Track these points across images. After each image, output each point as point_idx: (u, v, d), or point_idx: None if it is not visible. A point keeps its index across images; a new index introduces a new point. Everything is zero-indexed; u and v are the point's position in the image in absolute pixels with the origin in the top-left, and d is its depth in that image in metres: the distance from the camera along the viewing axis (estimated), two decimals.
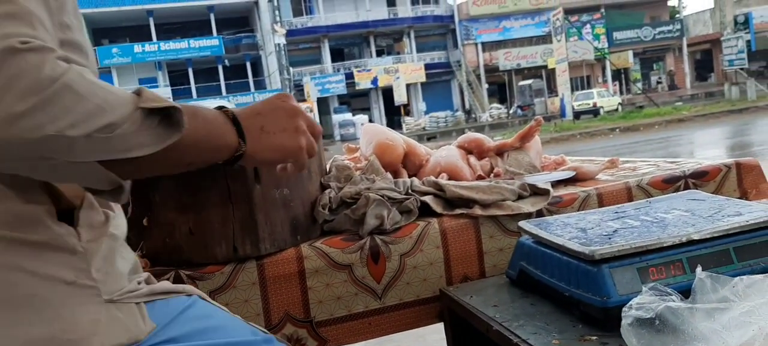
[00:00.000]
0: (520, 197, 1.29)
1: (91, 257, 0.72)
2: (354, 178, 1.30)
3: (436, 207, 1.27)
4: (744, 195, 1.38)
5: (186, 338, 0.77)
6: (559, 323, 0.97)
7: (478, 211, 1.26)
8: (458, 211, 1.27)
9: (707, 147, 12.96)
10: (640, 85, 35.04)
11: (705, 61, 38.21)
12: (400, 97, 31.39)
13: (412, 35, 35.72)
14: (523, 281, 1.14)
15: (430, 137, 23.58)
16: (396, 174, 1.45)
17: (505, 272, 1.21)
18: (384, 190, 1.27)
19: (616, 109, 26.34)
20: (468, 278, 1.28)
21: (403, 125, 29.64)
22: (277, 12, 30.65)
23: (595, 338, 0.90)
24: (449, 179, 1.41)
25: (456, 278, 1.27)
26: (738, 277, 0.68)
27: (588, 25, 33.47)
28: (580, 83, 33.46)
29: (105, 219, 0.77)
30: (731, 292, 0.65)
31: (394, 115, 33.20)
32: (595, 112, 26.01)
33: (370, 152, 1.49)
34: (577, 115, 25.10)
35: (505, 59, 34.96)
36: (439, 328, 1.30)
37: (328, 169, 1.35)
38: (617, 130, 18.57)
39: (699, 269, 0.72)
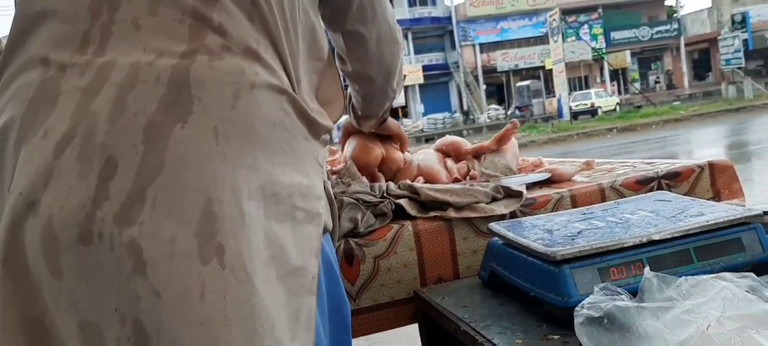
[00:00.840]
0: (493, 199, 1.31)
1: (322, 144, 0.88)
2: (330, 181, 1.31)
3: (411, 210, 1.29)
4: (717, 195, 1.39)
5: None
6: (524, 323, 0.99)
7: (451, 213, 1.27)
8: (432, 213, 1.28)
9: (704, 146, 12.98)
10: (638, 85, 35.09)
11: (703, 60, 38.26)
12: (398, 99, 31.38)
13: (410, 37, 35.75)
14: (493, 282, 1.15)
15: (429, 139, 23.61)
16: (372, 178, 1.46)
17: (477, 273, 1.23)
18: (359, 193, 1.28)
19: (614, 110, 26.39)
20: (442, 280, 1.29)
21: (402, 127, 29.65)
22: None
23: (557, 337, 0.91)
24: (426, 181, 1.43)
25: (430, 280, 1.29)
26: (683, 277, 0.69)
27: (585, 25, 33.53)
28: (578, 83, 33.52)
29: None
30: (676, 291, 0.67)
31: (393, 117, 33.19)
32: (593, 112, 26.06)
33: (349, 153, 1.51)
34: (575, 115, 25.15)
35: (503, 60, 35.01)
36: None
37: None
38: (615, 130, 18.60)
39: (646, 269, 0.73)
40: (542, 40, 32.51)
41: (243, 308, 0.67)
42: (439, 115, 30.58)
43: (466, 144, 1.52)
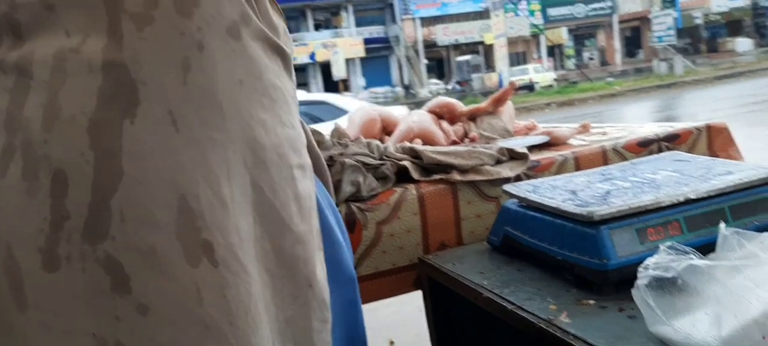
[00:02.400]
0: (498, 162, 1.25)
1: (294, 79, 0.77)
2: (325, 143, 1.23)
3: (414, 173, 1.22)
4: (714, 157, 1.38)
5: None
6: (551, 288, 0.94)
7: (456, 176, 1.21)
8: (436, 176, 1.22)
9: (640, 121, 13.41)
10: (573, 60, 35.95)
11: (634, 37, 39.50)
12: (338, 72, 31.12)
13: (351, 9, 35.39)
14: (507, 247, 1.10)
15: None
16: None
17: (487, 238, 1.17)
18: (358, 155, 1.20)
19: (551, 85, 26.93)
20: (445, 246, 1.23)
21: None
22: None
23: (592, 301, 0.87)
24: (424, 143, 1.36)
25: (433, 246, 1.23)
26: (766, 232, 0.65)
27: (524, 2, 33.99)
28: (517, 59, 34.01)
29: None
30: (760, 247, 0.62)
31: (333, 91, 32.94)
32: (530, 87, 26.52)
33: (355, 132, 1.45)
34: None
35: (444, 35, 35.14)
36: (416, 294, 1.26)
37: None
38: (553, 104, 18.99)
39: (722, 225, 0.69)
40: (482, 15, 32.75)
41: (245, 301, 0.61)
42: (380, 89, 30.50)
43: (461, 106, 1.46)
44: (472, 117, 1.44)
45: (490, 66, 32.16)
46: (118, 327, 0.56)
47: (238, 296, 0.60)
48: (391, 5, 36.30)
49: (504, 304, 0.92)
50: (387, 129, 1.45)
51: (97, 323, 0.56)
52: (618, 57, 36.63)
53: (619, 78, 26.16)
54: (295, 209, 0.67)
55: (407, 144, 1.27)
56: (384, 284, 1.21)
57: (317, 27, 36.15)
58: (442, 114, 1.45)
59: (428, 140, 1.36)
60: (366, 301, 1.21)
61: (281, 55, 0.71)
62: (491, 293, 0.96)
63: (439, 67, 37.32)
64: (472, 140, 1.37)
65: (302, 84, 33.77)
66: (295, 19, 36.06)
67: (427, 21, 35.89)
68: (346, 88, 32.76)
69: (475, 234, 1.24)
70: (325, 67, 32.61)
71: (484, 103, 1.45)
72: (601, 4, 36.27)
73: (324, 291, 0.71)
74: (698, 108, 13.27)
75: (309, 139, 0.81)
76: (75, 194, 0.56)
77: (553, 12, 35.60)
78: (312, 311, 0.70)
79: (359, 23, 36.02)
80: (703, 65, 25.78)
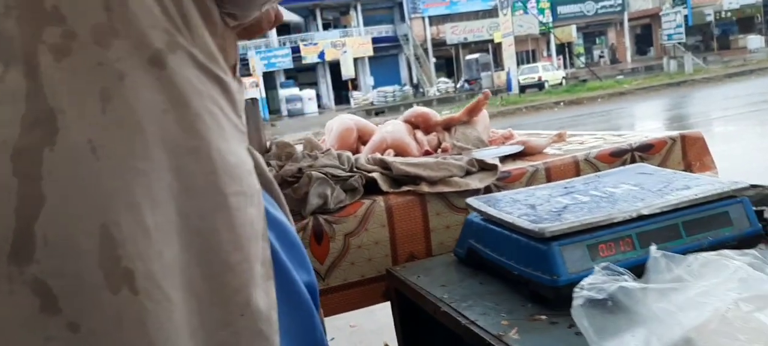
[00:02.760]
0: (467, 173, 1.26)
1: (241, 109, 0.75)
2: (295, 155, 1.24)
3: (383, 185, 1.22)
4: (688, 167, 1.38)
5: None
6: (508, 302, 0.95)
7: (424, 188, 1.22)
8: (405, 188, 1.23)
9: (647, 119, 13.33)
10: (583, 59, 35.77)
11: (645, 35, 39.26)
12: (347, 71, 31.17)
13: (359, 8, 35.41)
14: (472, 260, 1.10)
15: (378, 112, 23.52)
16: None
17: (453, 250, 1.18)
18: (327, 167, 1.21)
19: (561, 83, 26.81)
20: (414, 257, 1.24)
21: (352, 100, 29.49)
22: None
23: (544, 317, 0.87)
24: (396, 154, 1.37)
25: (402, 257, 1.23)
26: (692, 255, 0.66)
27: (533, 0, 33.85)
28: (526, 57, 33.91)
29: (239, 86, 0.80)
30: (686, 271, 0.63)
31: (342, 90, 32.99)
32: (540, 85, 26.42)
33: (331, 142, 1.46)
34: (523, 89, 25.45)
35: (452, 33, 35.09)
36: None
37: (268, 148, 1.28)
38: (562, 103, 18.92)
39: (653, 247, 0.69)
40: (491, 13, 32.66)
41: (165, 328, 0.61)
42: (389, 88, 30.47)
43: (436, 116, 1.47)
44: (447, 127, 1.44)
45: (499, 64, 32.05)
46: None
47: (158, 323, 0.60)
48: (399, 4, 36.29)
49: (459, 319, 0.92)
50: (363, 139, 1.46)
51: (28, 344, 0.58)
52: (628, 55, 36.42)
53: (630, 76, 26.02)
54: (226, 238, 0.67)
55: (378, 155, 1.27)
56: (353, 295, 1.22)
57: (326, 26, 36.19)
58: (417, 124, 1.46)
59: (401, 151, 1.37)
60: (335, 312, 1.22)
61: (219, 83, 0.70)
62: (449, 307, 0.97)
63: (448, 65, 37.27)
64: (445, 151, 1.38)
65: (312, 83, 33.84)
66: (304, 18, 36.12)
67: (436, 19, 35.85)
68: (355, 88, 32.79)
69: (444, 245, 1.25)
70: (334, 66, 32.65)
71: (458, 113, 1.45)
72: (611, 2, 36.08)
73: (261, 322, 0.70)
74: (708, 107, 13.18)
75: (258, 165, 0.81)
76: (1, 220, 0.57)
77: (562, 10, 35.45)
78: (243, 339, 0.69)
79: (368, 22, 36.03)
80: (714, 63, 25.57)
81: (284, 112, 29.52)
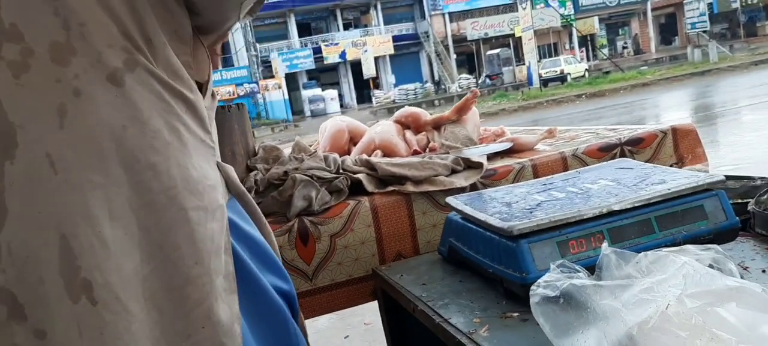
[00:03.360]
0: (453, 172, 1.26)
1: (210, 125, 0.78)
2: (282, 158, 1.25)
3: (368, 185, 1.23)
4: (680, 160, 1.37)
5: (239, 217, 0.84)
6: (483, 300, 0.95)
7: (410, 187, 1.23)
8: (390, 188, 1.24)
9: (671, 110, 13.12)
10: (606, 50, 35.32)
11: (669, 24, 38.63)
12: (368, 70, 31.20)
13: (379, 7, 35.40)
14: (453, 258, 1.11)
15: None
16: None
17: (437, 248, 1.18)
18: (313, 169, 1.23)
19: (583, 76, 26.52)
20: (402, 256, 1.25)
21: (373, 99, 29.51)
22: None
23: (516, 314, 0.88)
24: (384, 155, 1.38)
25: (389, 257, 1.24)
26: (643, 253, 0.65)
27: None
28: (547, 51, 33.60)
29: (212, 100, 0.83)
30: (635, 268, 0.63)
31: (364, 89, 33.03)
32: (562, 79, 26.16)
33: (324, 145, 1.47)
34: (545, 82, 25.24)
35: (473, 29, 34.90)
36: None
37: (255, 151, 1.30)
38: (584, 96, 18.72)
39: (604, 244, 0.69)
40: (511, 7, 32.42)
41: (123, 339, 0.63)
42: (410, 86, 30.43)
43: (426, 115, 1.47)
44: (437, 126, 1.45)
45: (520, 59, 31.78)
46: None
47: (115, 334, 0.62)
48: (419, 1, 36.21)
49: (433, 316, 0.93)
50: (355, 140, 1.47)
51: None
52: (652, 45, 35.86)
53: (654, 66, 25.64)
54: (187, 252, 0.68)
55: (364, 156, 1.28)
56: (340, 295, 1.23)
57: (346, 26, 36.24)
58: (407, 124, 1.47)
59: (389, 151, 1.37)
60: (323, 312, 1.24)
61: (183, 99, 0.72)
62: (425, 306, 0.98)
63: (469, 61, 37.09)
64: (433, 150, 1.38)
65: (334, 83, 33.94)
66: (325, 19, 36.25)
67: (456, 16, 35.69)
68: (377, 86, 32.80)
69: (431, 243, 1.25)
70: (356, 66, 32.70)
71: (447, 112, 1.46)
72: None
73: (223, 335, 0.71)
74: (734, 95, 12.93)
75: (228, 178, 0.82)
76: None
77: (584, 1, 35.03)
78: None
79: (388, 21, 36.00)
80: (740, 50, 25.06)
81: (307, 113, 29.66)
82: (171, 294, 0.67)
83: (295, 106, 30.51)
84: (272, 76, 29.80)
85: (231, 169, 0.83)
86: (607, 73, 25.41)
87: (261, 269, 0.83)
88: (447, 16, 35.42)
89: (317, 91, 30.91)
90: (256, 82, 27.85)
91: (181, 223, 0.68)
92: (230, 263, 0.74)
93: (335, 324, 3.49)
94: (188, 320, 0.69)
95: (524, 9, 24.27)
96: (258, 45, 30.69)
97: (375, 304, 1.30)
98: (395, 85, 32.50)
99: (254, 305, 0.80)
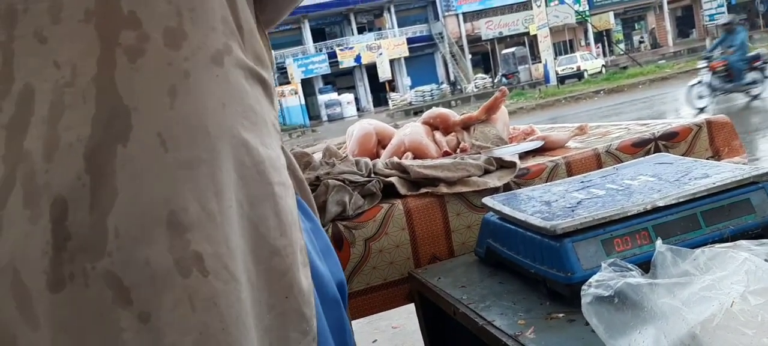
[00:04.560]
0: (486, 172, 1.25)
1: (277, 109, 0.80)
2: (313, 163, 1.25)
3: (401, 188, 1.23)
4: (716, 154, 1.34)
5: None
6: (526, 301, 0.94)
7: (443, 189, 1.22)
8: (423, 190, 1.23)
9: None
10: (622, 45, 35.01)
11: (686, 17, 38.20)
12: (384, 73, 31.24)
13: (393, 10, 35.43)
14: (491, 259, 1.10)
15: (417, 112, 23.44)
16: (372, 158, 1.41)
17: (474, 250, 1.17)
18: (345, 173, 1.22)
19: (600, 72, 26.29)
20: (437, 258, 1.24)
21: (390, 101, 29.50)
22: None
23: (562, 315, 0.86)
24: (414, 157, 1.37)
25: (424, 259, 1.23)
26: (699, 249, 0.64)
27: None
28: (563, 48, 33.40)
29: None
30: (692, 265, 0.61)
31: (380, 92, 33.07)
32: (579, 75, 25.97)
33: (352, 148, 1.47)
34: (562, 79, 25.06)
35: (487, 28, 34.79)
36: None
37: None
38: (602, 92, 18.55)
39: (659, 241, 0.68)
40: (525, 5, 32.27)
41: (235, 307, 0.65)
42: (426, 88, 30.38)
43: (454, 116, 1.46)
44: (466, 126, 1.44)
45: (536, 57, 31.62)
46: (122, 337, 0.62)
47: (228, 303, 0.64)
48: (433, 3, 36.19)
49: (476, 319, 0.92)
50: (383, 143, 1.47)
51: (103, 336, 0.62)
52: (669, 38, 35.49)
53: (672, 60, 25.37)
54: (273, 224, 0.71)
55: (395, 159, 1.28)
56: (376, 298, 1.22)
57: (361, 30, 36.32)
58: (435, 125, 1.46)
59: (420, 153, 1.36)
60: (358, 316, 1.23)
61: (262, 83, 0.76)
62: (467, 309, 0.96)
63: (484, 61, 37.00)
64: (463, 151, 1.37)
65: (350, 87, 34.02)
66: (338, 24, 36.37)
67: (470, 16, 35.62)
68: (393, 89, 32.81)
69: (466, 245, 1.24)
70: (371, 69, 32.76)
71: (476, 112, 1.45)
72: None
73: (304, 305, 0.74)
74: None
75: (291, 163, 0.85)
76: (74, 216, 0.61)
77: None
78: (288, 322, 0.73)
79: (402, 23, 36.02)
80: (760, 41, 24.68)
81: (324, 118, 29.76)
82: (259, 267, 0.69)
83: (311, 111, 30.63)
84: (288, 83, 29.96)
85: (290, 155, 0.86)
86: (625, 68, 25.18)
87: (320, 257, 0.86)
88: (461, 17, 35.37)
89: (333, 95, 30.99)
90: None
91: (269, 196, 0.71)
92: (303, 238, 0.77)
93: (364, 328, 3.48)
94: (272, 291, 0.71)
95: (539, 6, 24.15)
96: (273, 51, 30.79)
97: (403, 308, 1.29)
98: (411, 87, 32.48)
99: (316, 290, 0.82)
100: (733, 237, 0.86)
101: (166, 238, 0.62)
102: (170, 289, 0.62)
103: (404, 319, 3.37)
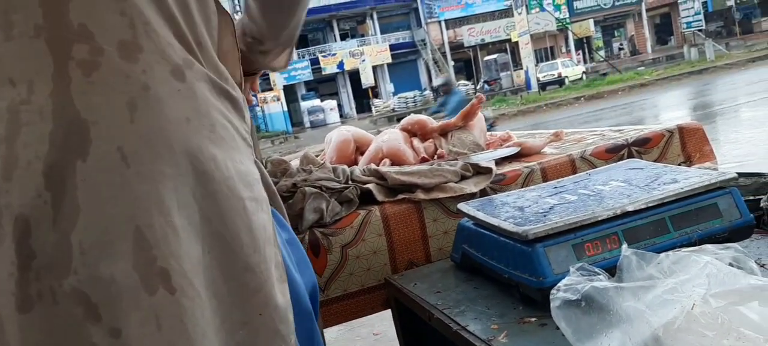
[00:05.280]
0: (463, 178, 1.26)
1: (248, 124, 0.80)
2: (290, 170, 1.25)
3: (378, 195, 1.23)
4: (688, 159, 1.37)
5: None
6: (500, 306, 0.95)
7: (420, 195, 1.23)
8: (400, 196, 1.23)
9: (670, 110, 13.13)
10: (602, 52, 35.37)
11: (664, 24, 38.71)
12: (367, 79, 31.27)
13: (375, 17, 35.50)
14: (466, 265, 1.11)
15: (400, 118, 23.41)
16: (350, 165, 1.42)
17: (450, 255, 1.18)
18: (322, 180, 1.23)
19: (581, 78, 26.53)
20: (414, 264, 1.25)
21: (373, 108, 29.52)
22: (236, 1, 30.18)
23: (534, 319, 0.87)
24: (392, 163, 1.38)
25: (401, 265, 1.24)
26: (664, 253, 0.65)
27: None
28: (544, 55, 33.66)
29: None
30: (657, 269, 0.63)
31: (363, 98, 33.06)
32: (560, 82, 26.19)
33: (330, 154, 1.48)
34: (543, 86, 25.26)
35: (469, 35, 34.98)
36: None
37: (263, 165, 1.30)
38: (582, 98, 18.74)
39: (624, 246, 0.69)
40: (507, 13, 32.50)
41: (200, 325, 0.65)
42: (409, 94, 30.39)
43: (432, 122, 1.47)
44: (443, 133, 1.45)
45: (518, 63, 31.83)
46: None
47: (194, 321, 0.64)
48: (415, 9, 36.28)
49: (450, 324, 0.93)
50: (361, 149, 1.47)
51: None
52: (648, 45, 35.94)
53: (651, 67, 25.69)
54: (246, 240, 0.71)
55: (373, 166, 1.28)
56: (353, 305, 1.23)
57: (343, 36, 36.30)
58: (413, 131, 1.47)
59: (397, 159, 1.37)
60: (335, 322, 1.24)
61: (230, 99, 0.75)
62: (442, 314, 0.97)
63: (467, 67, 37.15)
64: (440, 157, 1.38)
65: (332, 93, 33.98)
66: (321, 30, 36.34)
67: (452, 23, 35.78)
68: (376, 95, 32.83)
69: (443, 251, 1.25)
70: (354, 75, 32.76)
71: (454, 119, 1.46)
72: None
73: (279, 322, 0.74)
74: (732, 93, 12.94)
75: (264, 176, 0.84)
76: (38, 234, 0.61)
77: (579, 4, 35.15)
78: (262, 339, 0.73)
79: (385, 30, 36.08)
80: (736, 48, 25.11)
81: (307, 124, 29.67)
82: (229, 283, 0.69)
83: (294, 117, 30.53)
84: (270, 89, 29.84)
85: (263, 169, 0.85)
86: (605, 75, 25.44)
87: (296, 267, 0.87)
88: (443, 24, 35.53)
89: (316, 102, 30.94)
90: (255, 95, 27.89)
91: (240, 212, 0.71)
92: (279, 254, 0.77)
93: (345, 335, 3.48)
94: (244, 308, 0.70)
95: (520, 14, 24.36)
96: None
97: (384, 314, 1.30)
98: (394, 94, 32.51)
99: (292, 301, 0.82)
100: (701, 241, 0.88)
101: (131, 254, 0.62)
102: (136, 307, 0.62)
103: (386, 325, 3.38)
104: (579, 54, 34.18)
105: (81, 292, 0.61)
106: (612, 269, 0.72)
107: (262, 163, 1.31)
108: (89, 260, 0.61)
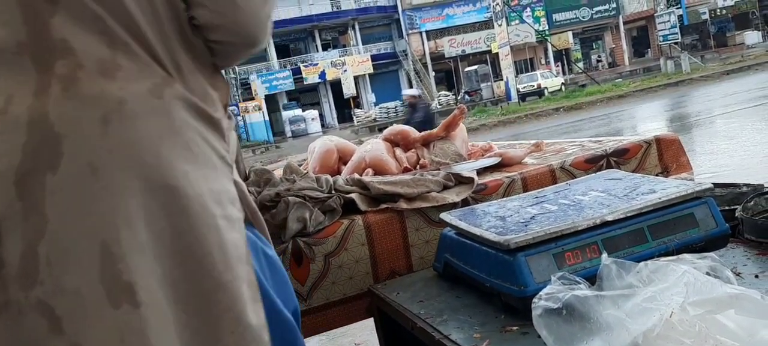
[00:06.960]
0: (445, 188, 1.27)
1: (229, 143, 0.81)
2: (273, 180, 1.25)
3: (361, 204, 1.24)
4: (665, 170, 1.39)
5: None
6: (482, 315, 0.96)
7: (403, 205, 1.23)
8: (383, 206, 1.24)
9: (647, 121, 13.31)
10: (581, 64, 35.78)
11: (642, 37, 39.29)
12: (348, 89, 31.28)
13: (357, 27, 35.57)
14: (448, 274, 1.12)
15: (382, 128, 23.43)
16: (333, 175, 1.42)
17: (432, 265, 1.19)
18: (305, 190, 1.23)
19: (560, 90, 26.80)
20: (396, 273, 1.25)
21: (354, 118, 29.52)
22: None
23: (516, 328, 0.88)
24: (375, 173, 1.38)
25: (383, 274, 1.24)
26: (643, 262, 0.67)
27: (528, 8, 33.96)
28: (524, 66, 33.96)
29: (228, 122, 0.85)
30: (636, 278, 0.64)
31: (345, 108, 33.04)
32: (539, 93, 26.43)
33: (313, 164, 1.48)
34: (523, 97, 25.47)
35: (450, 46, 35.18)
36: None
37: (247, 175, 1.30)
38: (561, 109, 18.92)
39: (604, 255, 0.70)
40: (487, 24, 32.75)
41: (165, 338, 0.66)
42: (390, 104, 30.45)
43: (414, 132, 1.48)
44: (426, 143, 1.46)
45: (498, 74, 32.05)
46: None
47: (158, 336, 0.64)
48: (397, 20, 36.42)
49: (433, 333, 0.93)
50: (344, 159, 1.48)
51: None
52: (626, 58, 36.43)
53: (628, 78, 26.02)
54: (218, 258, 0.71)
55: (356, 176, 1.29)
56: (336, 314, 1.23)
57: (325, 47, 36.29)
58: (396, 141, 1.48)
59: (380, 169, 1.38)
60: (318, 331, 1.24)
61: (209, 120, 0.76)
62: (424, 323, 0.98)
63: (447, 78, 37.32)
64: (423, 167, 1.39)
65: (314, 103, 33.93)
66: (303, 40, 36.31)
67: (433, 33, 35.97)
68: (358, 105, 32.85)
69: (424, 260, 1.26)
70: (336, 85, 32.74)
71: (436, 129, 1.47)
72: (606, 6, 36.14)
73: (252, 341, 0.73)
74: (707, 104, 13.15)
75: (243, 195, 0.84)
76: (8, 244, 0.61)
77: (558, 17, 35.53)
78: None
79: (366, 40, 36.15)
80: (712, 60, 25.57)
81: (288, 134, 29.56)
82: (201, 299, 0.69)
83: (275, 127, 30.43)
84: (252, 98, 29.73)
85: (244, 187, 0.85)
86: (583, 86, 25.73)
87: (274, 286, 0.86)
88: (424, 35, 35.69)
89: (298, 111, 30.86)
90: (236, 105, 27.74)
91: (212, 229, 0.71)
92: (251, 273, 0.77)
93: (326, 345, 3.46)
94: (216, 325, 0.70)
95: (500, 26, 24.57)
96: (237, 67, 30.60)
97: (365, 323, 1.30)
98: (375, 104, 32.54)
99: (271, 323, 0.81)
100: (678, 250, 0.90)
101: (98, 268, 0.62)
102: (100, 320, 0.62)
103: (367, 334, 3.37)
104: (558, 66, 34.55)
105: (46, 304, 0.61)
106: (592, 278, 0.74)
107: (247, 174, 1.32)
108: (55, 272, 0.61)
